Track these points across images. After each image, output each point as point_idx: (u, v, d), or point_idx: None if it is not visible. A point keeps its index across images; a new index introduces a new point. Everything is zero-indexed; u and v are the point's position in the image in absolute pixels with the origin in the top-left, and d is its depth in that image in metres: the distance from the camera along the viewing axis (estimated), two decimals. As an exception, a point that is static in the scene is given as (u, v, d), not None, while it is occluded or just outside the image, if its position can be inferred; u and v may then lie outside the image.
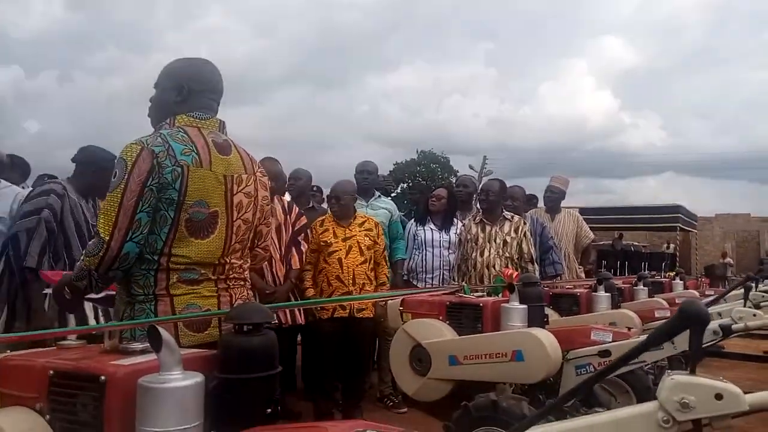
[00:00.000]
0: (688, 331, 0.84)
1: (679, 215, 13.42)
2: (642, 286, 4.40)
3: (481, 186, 4.30)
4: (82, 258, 1.73)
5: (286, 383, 4.13)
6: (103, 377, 1.09)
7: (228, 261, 1.85)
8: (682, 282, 5.25)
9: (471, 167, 26.59)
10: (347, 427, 1.00)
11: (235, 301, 1.86)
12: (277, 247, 3.59)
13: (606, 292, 3.55)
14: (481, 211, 4.08)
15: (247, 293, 1.97)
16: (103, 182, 2.72)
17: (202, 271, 1.78)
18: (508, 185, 4.63)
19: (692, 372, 0.94)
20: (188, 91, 1.87)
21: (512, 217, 4.00)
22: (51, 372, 1.16)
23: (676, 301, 3.91)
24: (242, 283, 1.94)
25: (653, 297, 4.17)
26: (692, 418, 0.93)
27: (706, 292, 5.37)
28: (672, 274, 6.31)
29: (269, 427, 1.11)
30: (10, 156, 4.00)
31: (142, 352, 1.24)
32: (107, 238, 1.65)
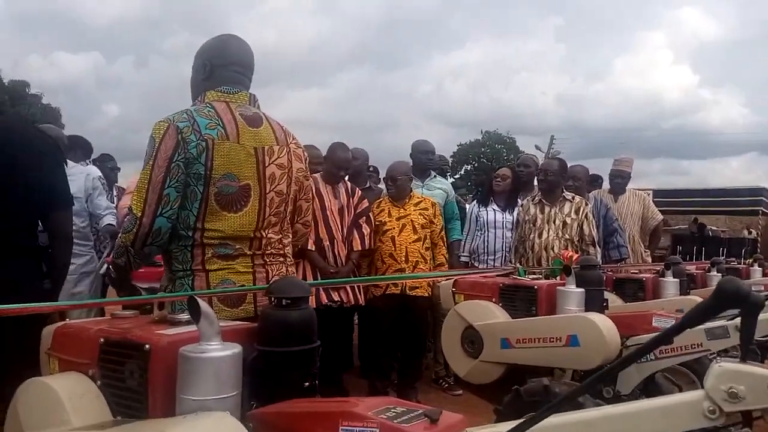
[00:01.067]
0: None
1: (762, 198, 12.61)
2: (716, 273, 4.16)
3: (540, 165, 4.16)
4: (120, 235, 1.78)
5: (343, 361, 4.20)
6: (147, 346, 1.13)
7: (264, 235, 1.86)
8: (760, 269, 4.93)
9: (537, 147, 25.83)
10: (376, 403, 0.99)
11: (272, 277, 1.86)
12: (340, 228, 3.63)
13: (674, 277, 3.38)
14: (540, 191, 3.97)
15: (287, 269, 1.96)
16: None
17: (237, 246, 1.80)
18: (573, 165, 4.48)
19: (743, 360, 0.88)
20: (211, 67, 1.89)
21: (573, 197, 3.86)
22: (102, 340, 1.22)
23: (752, 289, 3.68)
24: (281, 259, 1.94)
25: (727, 284, 3.93)
26: (741, 409, 0.87)
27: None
28: (750, 260, 5.95)
29: (304, 400, 1.12)
30: (70, 137, 4.25)
31: (188, 322, 1.28)
32: (139, 214, 1.70)
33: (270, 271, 1.88)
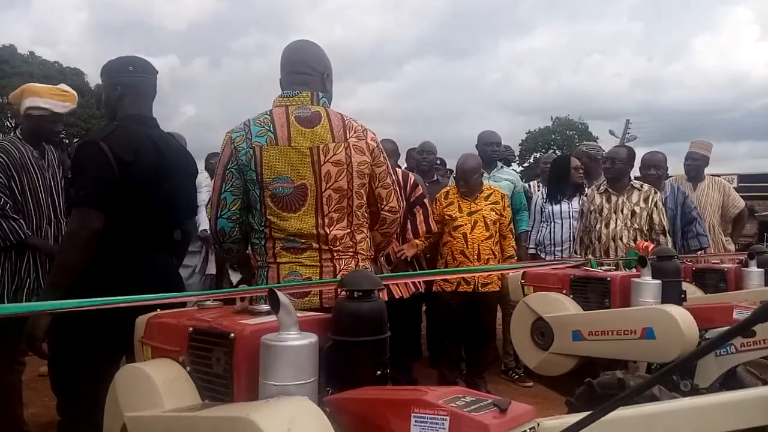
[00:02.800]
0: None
1: None
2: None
3: (606, 154, 4.04)
4: None
5: (412, 350, 4.26)
6: (232, 334, 1.21)
7: (328, 232, 1.94)
8: None
9: (612, 133, 24.94)
10: (446, 392, 1.03)
11: (340, 271, 1.94)
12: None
13: (759, 267, 3.21)
14: (606, 180, 3.86)
15: (358, 265, 2.00)
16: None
17: (302, 241, 1.93)
18: (653, 151, 4.32)
19: (827, 355, 0.85)
20: (281, 78, 2.08)
21: (641, 185, 3.73)
22: (191, 329, 1.31)
23: None
24: (351, 254, 1.99)
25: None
26: (823, 405, 0.84)
27: None
28: None
29: (375, 388, 1.17)
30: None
31: (268, 313, 1.36)
32: (209, 217, 2.02)
33: (338, 265, 1.95)
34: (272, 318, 1.28)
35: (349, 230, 1.99)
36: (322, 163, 1.92)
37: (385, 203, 2.11)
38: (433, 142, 4.75)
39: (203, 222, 3.86)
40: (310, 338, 1.18)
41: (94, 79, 31.92)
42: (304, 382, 1.14)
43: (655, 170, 4.09)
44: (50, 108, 2.92)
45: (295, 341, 1.14)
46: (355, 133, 2.00)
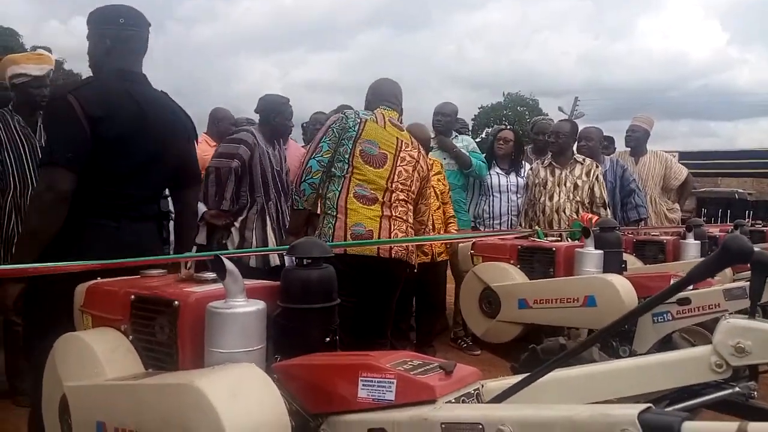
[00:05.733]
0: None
1: (792, 160, 12.29)
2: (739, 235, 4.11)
3: (551, 128, 4.12)
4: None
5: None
6: (176, 302, 1.18)
7: (394, 189, 2.54)
8: (786, 232, 4.86)
9: (561, 109, 25.46)
10: (393, 357, 1.04)
11: (393, 231, 2.50)
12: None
13: (696, 239, 3.36)
14: (550, 153, 3.94)
15: (407, 230, 2.59)
16: (282, 125, 3.55)
17: (372, 189, 2.49)
18: (600, 128, 4.43)
19: (752, 316, 0.90)
20: (369, 99, 2.81)
21: (584, 159, 3.83)
22: (133, 297, 1.27)
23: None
24: (403, 219, 2.56)
25: (750, 246, 3.89)
26: (748, 363, 0.90)
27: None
28: (776, 223, 5.85)
29: (323, 354, 1.17)
30: None
31: (214, 281, 1.33)
32: (304, 159, 2.60)
33: (392, 225, 2.51)
34: (218, 286, 1.26)
35: (406, 202, 2.60)
36: (401, 149, 2.61)
37: (424, 198, 2.81)
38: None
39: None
40: (258, 305, 1.16)
41: (29, 41, 30.24)
42: (251, 349, 1.13)
43: (585, 142, 4.18)
44: (28, 72, 2.93)
45: (242, 308, 1.13)
46: (422, 150, 2.80)
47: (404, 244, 2.53)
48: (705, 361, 0.92)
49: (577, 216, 3.60)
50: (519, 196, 4.24)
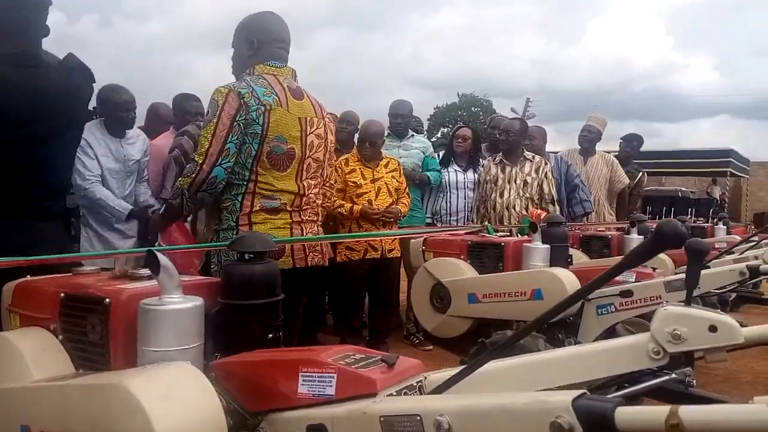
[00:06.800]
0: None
1: (730, 159, 12.84)
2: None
3: (501, 126, 4.18)
4: (179, 180, 2.09)
5: (317, 319, 4.24)
6: (107, 300, 1.13)
7: (306, 194, 2.15)
8: (725, 227, 5.06)
9: (513, 110, 25.88)
10: (336, 351, 1.02)
11: (306, 234, 2.15)
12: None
13: (639, 234, 3.46)
14: (501, 151, 4.00)
15: (318, 229, 2.25)
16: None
17: (282, 200, 2.08)
18: (547, 129, 4.52)
19: (687, 303, 0.92)
20: (258, 44, 2.13)
21: (533, 157, 3.91)
22: (62, 295, 1.21)
23: (716, 247, 3.79)
24: (315, 218, 2.22)
25: (690, 241, 4.03)
26: (684, 350, 0.91)
27: (752, 239, 5.17)
28: (716, 220, 6.09)
29: (264, 350, 1.14)
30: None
31: (149, 278, 1.28)
32: (201, 160, 1.97)
33: (304, 228, 2.15)
34: (153, 283, 1.21)
35: (317, 198, 2.22)
36: (308, 133, 2.13)
37: (328, 179, 2.39)
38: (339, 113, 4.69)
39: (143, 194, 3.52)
40: (194, 301, 1.12)
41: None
42: (186, 347, 1.09)
43: (529, 141, 4.23)
44: None
45: (176, 305, 1.08)
46: (326, 115, 2.27)
47: (323, 250, 2.24)
48: (643, 349, 0.93)
49: (527, 212, 3.66)
50: (475, 193, 4.29)
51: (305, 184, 2.14)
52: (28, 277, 1.38)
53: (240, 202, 2.04)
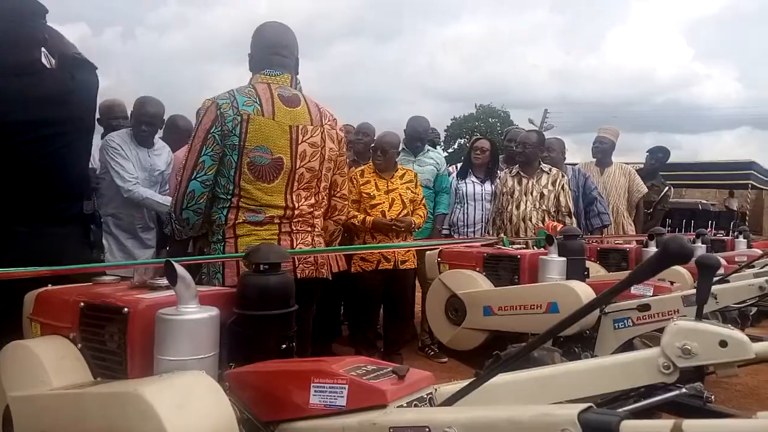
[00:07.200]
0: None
1: (752, 172, 12.62)
2: (701, 244, 4.21)
3: (518, 138, 4.18)
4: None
5: (332, 330, 4.26)
6: (126, 309, 1.15)
7: (296, 206, 2.04)
8: (745, 240, 4.98)
9: (531, 121, 25.81)
10: (348, 362, 1.03)
11: (296, 245, 2.04)
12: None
13: (657, 247, 3.43)
14: (518, 163, 4.00)
15: (313, 240, 2.12)
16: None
17: (268, 214, 1.99)
18: (565, 140, 4.51)
19: (698, 318, 0.92)
20: (255, 54, 2.11)
21: (550, 169, 3.90)
22: (82, 304, 1.24)
23: (735, 260, 3.74)
24: (309, 229, 2.10)
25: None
26: (694, 364, 0.91)
27: (773, 252, 5.08)
28: (736, 233, 6.00)
29: (277, 360, 1.16)
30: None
31: (167, 287, 1.30)
32: (179, 179, 1.95)
33: (295, 239, 2.05)
34: (171, 292, 1.24)
35: (313, 209, 2.11)
36: (299, 142, 2.03)
37: (338, 190, 2.27)
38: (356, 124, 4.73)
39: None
40: (210, 312, 1.14)
41: None
42: (201, 356, 1.11)
43: (548, 153, 4.23)
44: None
45: (193, 315, 1.10)
46: (328, 121, 2.15)
47: (317, 261, 2.13)
48: (653, 363, 0.93)
49: (543, 224, 3.65)
50: (492, 204, 4.29)
51: (296, 196, 2.03)
52: (49, 287, 1.42)
53: (225, 215, 1.98)
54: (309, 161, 2.05)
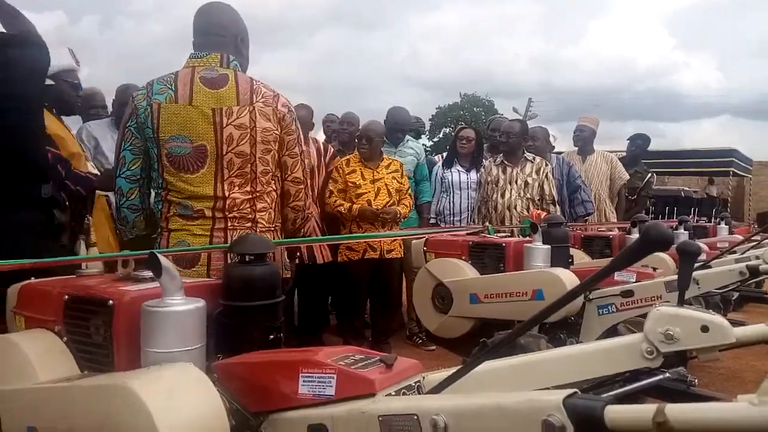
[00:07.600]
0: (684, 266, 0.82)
1: (733, 159, 12.81)
2: (683, 231, 4.26)
3: (501, 128, 4.20)
4: None
5: (320, 320, 4.27)
6: (111, 301, 1.15)
7: (228, 196, 1.86)
8: (727, 227, 5.06)
9: (515, 110, 25.87)
10: (336, 352, 1.03)
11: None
12: (310, 188, 3.64)
13: (640, 234, 3.47)
14: (502, 152, 4.02)
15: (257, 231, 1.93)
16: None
17: (197, 207, 1.85)
18: (549, 128, 4.53)
19: (680, 304, 0.93)
20: (194, 40, 2.00)
21: (534, 158, 3.93)
22: (66, 297, 1.23)
23: (717, 246, 3.80)
24: (248, 224, 1.91)
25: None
26: (676, 349, 0.93)
27: (754, 238, 5.16)
28: (718, 219, 6.08)
29: (265, 351, 1.16)
30: None
31: (151, 279, 1.29)
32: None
33: (230, 236, 1.85)
34: (156, 284, 1.23)
35: (250, 197, 1.90)
36: (224, 125, 1.85)
37: (289, 173, 2.03)
38: (339, 113, 4.72)
39: None
40: (196, 303, 1.13)
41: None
42: (189, 348, 1.10)
43: (532, 141, 4.26)
44: None
45: (179, 306, 1.10)
46: (263, 98, 1.92)
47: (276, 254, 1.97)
48: (636, 348, 0.95)
49: (528, 213, 3.67)
50: (477, 193, 4.31)
51: (227, 185, 1.86)
52: (33, 279, 1.40)
53: (159, 209, 1.91)
54: (237, 145, 1.86)
